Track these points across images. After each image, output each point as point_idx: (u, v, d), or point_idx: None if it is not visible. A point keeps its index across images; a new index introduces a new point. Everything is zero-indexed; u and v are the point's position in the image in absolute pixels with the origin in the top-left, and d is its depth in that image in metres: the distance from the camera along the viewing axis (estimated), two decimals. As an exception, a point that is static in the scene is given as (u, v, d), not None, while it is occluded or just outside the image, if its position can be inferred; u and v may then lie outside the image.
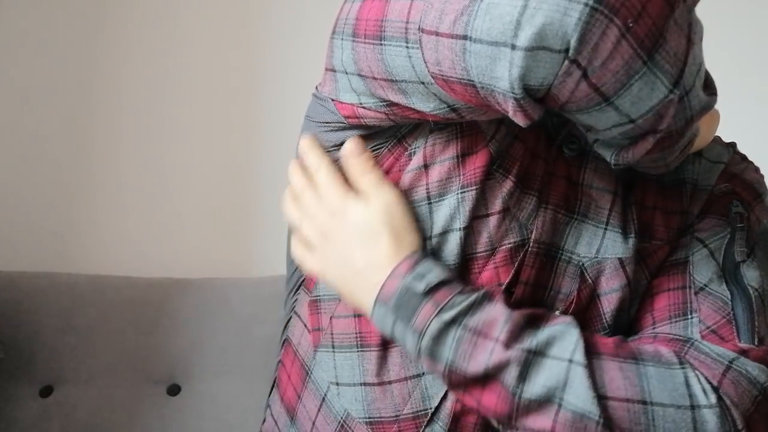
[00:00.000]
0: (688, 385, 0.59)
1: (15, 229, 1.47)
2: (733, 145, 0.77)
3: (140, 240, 1.48)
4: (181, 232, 1.50)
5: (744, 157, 0.77)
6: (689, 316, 0.64)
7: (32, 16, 1.49)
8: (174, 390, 1.21)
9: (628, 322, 0.70)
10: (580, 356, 0.59)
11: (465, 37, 0.50)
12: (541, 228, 0.66)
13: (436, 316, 0.61)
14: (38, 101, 1.49)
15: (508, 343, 0.59)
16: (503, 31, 0.48)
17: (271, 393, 0.83)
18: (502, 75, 0.49)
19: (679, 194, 0.71)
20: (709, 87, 0.57)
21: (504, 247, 0.66)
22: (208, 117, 1.51)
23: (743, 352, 0.62)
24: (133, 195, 1.48)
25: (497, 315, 0.61)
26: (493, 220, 0.65)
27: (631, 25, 0.47)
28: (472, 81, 0.52)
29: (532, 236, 0.66)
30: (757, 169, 0.76)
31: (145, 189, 1.49)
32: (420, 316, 0.61)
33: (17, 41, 1.48)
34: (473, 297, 0.62)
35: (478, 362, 0.60)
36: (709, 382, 0.60)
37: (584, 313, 0.67)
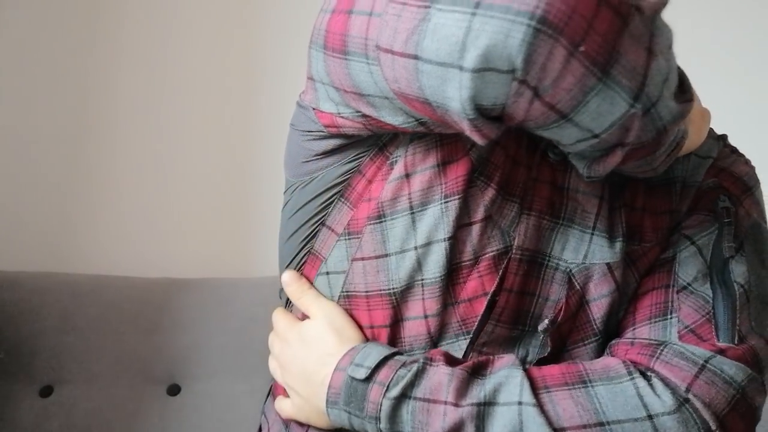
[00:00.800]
0: (640, 395, 0.59)
1: (15, 229, 1.47)
2: (723, 137, 0.76)
3: (140, 240, 1.48)
4: (181, 232, 1.50)
5: (734, 150, 0.76)
6: (669, 316, 0.64)
7: (30, 18, 1.49)
8: (174, 390, 1.21)
9: (617, 326, 0.70)
10: (528, 396, 0.60)
11: (416, 57, 0.50)
12: (524, 234, 0.66)
13: (384, 396, 0.63)
14: (38, 102, 1.49)
15: (458, 402, 0.61)
16: (450, 52, 0.48)
17: (266, 400, 0.83)
18: (453, 96, 0.50)
19: (668, 194, 0.71)
20: (685, 93, 0.55)
21: (487, 255, 0.66)
22: (208, 117, 1.51)
23: (720, 351, 0.61)
24: (133, 195, 1.48)
25: (441, 377, 0.62)
26: (476, 229, 0.65)
27: (579, 43, 0.46)
28: (428, 100, 0.52)
29: (515, 243, 0.65)
30: (747, 162, 0.75)
31: (145, 189, 1.49)
32: (370, 401, 0.63)
33: (16, 42, 1.48)
34: (415, 367, 0.63)
35: (435, 429, 0.61)
36: (671, 387, 0.60)
37: (574, 320, 0.67)
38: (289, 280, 0.74)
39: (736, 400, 0.60)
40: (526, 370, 0.62)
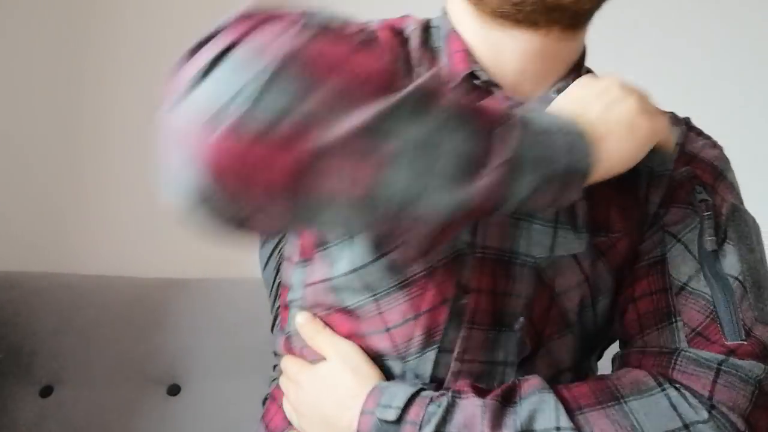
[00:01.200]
0: (673, 406, 0.59)
1: (15, 229, 1.47)
2: (686, 121, 0.76)
3: (140, 240, 1.48)
4: (180, 232, 1.49)
5: (700, 132, 0.75)
6: (673, 320, 0.64)
7: (22, 20, 1.49)
8: (174, 390, 1.21)
9: (595, 320, 0.69)
10: (565, 421, 0.59)
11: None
12: (485, 233, 0.65)
13: None
14: (37, 102, 1.49)
15: None
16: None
17: (264, 410, 0.84)
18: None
19: (635, 185, 0.70)
20: (482, 167, 0.50)
21: (441, 263, 0.66)
22: (208, 117, 1.51)
23: (731, 352, 0.61)
24: (133, 195, 1.47)
25: (473, 410, 0.61)
26: None
27: (256, 185, 0.45)
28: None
29: (477, 242, 0.65)
30: (715, 144, 0.74)
31: (145, 189, 1.49)
32: None
33: (10, 43, 1.48)
34: (445, 401, 0.62)
35: None
36: (697, 396, 0.60)
37: (547, 314, 0.67)
38: (303, 321, 0.72)
39: (756, 396, 0.60)
40: (556, 391, 0.61)
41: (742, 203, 0.71)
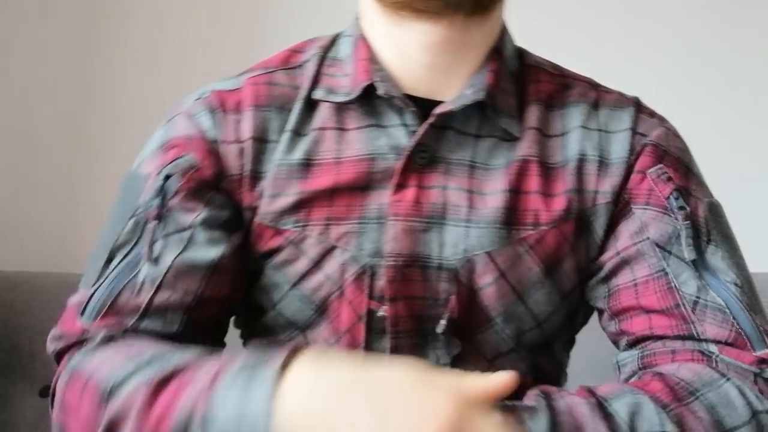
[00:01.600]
0: (743, 394, 0.58)
1: (15, 229, 1.47)
2: (636, 101, 0.73)
3: (140, 240, 1.48)
4: (181, 232, 1.49)
5: (652, 113, 0.73)
6: (698, 337, 0.63)
7: (31, 19, 1.49)
8: (174, 390, 1.21)
9: (531, 313, 0.67)
10: (670, 426, 0.55)
11: None
12: (393, 240, 0.65)
13: None
14: (38, 102, 1.49)
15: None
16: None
17: None
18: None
19: (562, 173, 0.68)
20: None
21: (349, 280, 0.66)
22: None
23: (762, 362, 0.61)
24: (133, 195, 1.48)
25: (580, 409, 0.56)
26: (324, 266, 0.66)
27: None
28: None
29: (387, 251, 0.65)
30: (675, 131, 0.72)
31: (145, 189, 1.49)
32: None
33: (17, 41, 1.48)
34: (544, 414, 0.55)
35: None
36: (753, 387, 0.59)
37: (467, 312, 0.66)
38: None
39: None
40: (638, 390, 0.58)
41: (709, 192, 0.70)
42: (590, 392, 0.58)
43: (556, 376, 0.75)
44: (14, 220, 1.47)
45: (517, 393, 0.70)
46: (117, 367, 0.58)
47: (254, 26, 1.54)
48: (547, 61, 0.76)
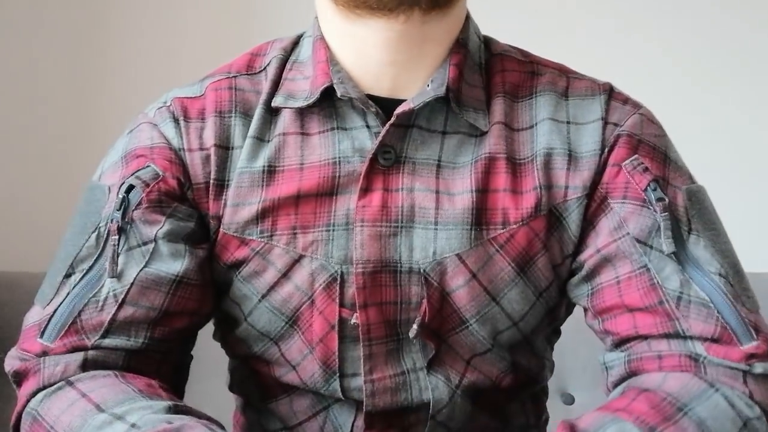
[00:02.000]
0: (732, 405, 0.57)
1: (15, 229, 1.47)
2: (608, 88, 0.70)
3: (140, 240, 1.48)
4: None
5: (626, 99, 0.70)
6: (683, 334, 0.62)
7: (31, 18, 1.49)
8: (174, 390, 1.21)
9: (505, 312, 0.67)
10: None
11: None
12: (361, 247, 0.64)
13: None
14: (39, 102, 1.49)
15: None
16: None
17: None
18: None
19: (531, 168, 0.67)
20: None
21: (318, 289, 0.65)
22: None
23: (751, 356, 0.60)
24: (133, 195, 1.48)
25: None
26: (293, 276, 0.66)
27: None
28: None
29: (355, 258, 0.64)
30: (651, 117, 0.70)
31: (145, 189, 1.49)
32: None
33: (18, 41, 1.48)
34: None
35: None
36: (742, 394, 0.59)
37: (439, 314, 0.66)
38: None
39: None
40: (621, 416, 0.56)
41: (690, 177, 0.68)
42: (572, 429, 0.56)
43: (538, 370, 0.74)
44: (14, 220, 1.47)
45: (497, 393, 0.70)
46: (72, 426, 0.58)
47: (255, 26, 1.54)
48: (516, 48, 0.74)
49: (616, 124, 0.68)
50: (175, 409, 0.57)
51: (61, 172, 1.48)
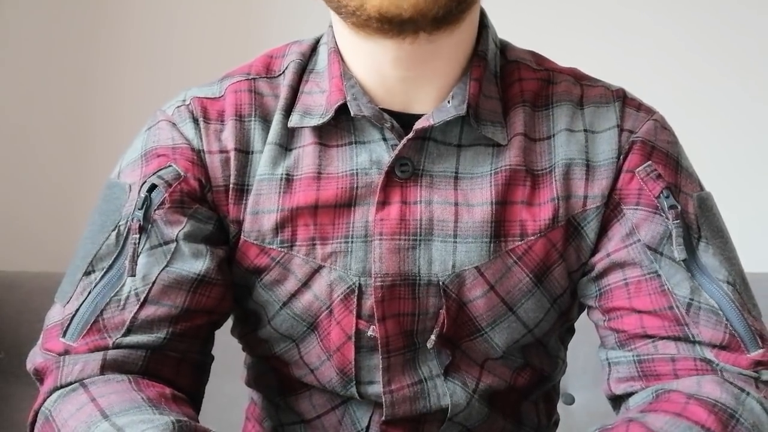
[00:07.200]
0: (764, 408, 0.58)
1: (15, 229, 1.47)
2: (621, 94, 0.70)
3: (140, 240, 1.48)
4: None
5: (639, 105, 0.70)
6: (692, 339, 0.62)
7: (31, 18, 1.49)
8: (174, 390, 1.21)
9: (520, 322, 0.67)
10: None
11: None
12: (379, 260, 0.64)
13: None
14: (38, 102, 1.49)
15: None
16: None
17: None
18: None
19: (549, 179, 0.66)
20: None
21: (336, 300, 0.66)
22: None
23: (758, 364, 0.61)
24: (133, 195, 1.48)
25: None
26: (313, 285, 0.66)
27: None
28: None
29: (375, 271, 0.64)
30: (662, 126, 0.69)
31: (145, 189, 1.49)
32: None
33: (17, 41, 1.48)
34: None
35: None
36: (762, 398, 0.59)
37: (455, 323, 0.66)
38: None
39: None
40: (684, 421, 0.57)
41: (700, 184, 0.69)
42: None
43: (551, 369, 0.75)
44: (14, 220, 1.47)
45: (512, 393, 0.71)
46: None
47: (255, 26, 1.54)
48: (530, 52, 0.73)
49: (631, 131, 0.68)
50: (178, 426, 0.56)
51: (61, 173, 1.48)
